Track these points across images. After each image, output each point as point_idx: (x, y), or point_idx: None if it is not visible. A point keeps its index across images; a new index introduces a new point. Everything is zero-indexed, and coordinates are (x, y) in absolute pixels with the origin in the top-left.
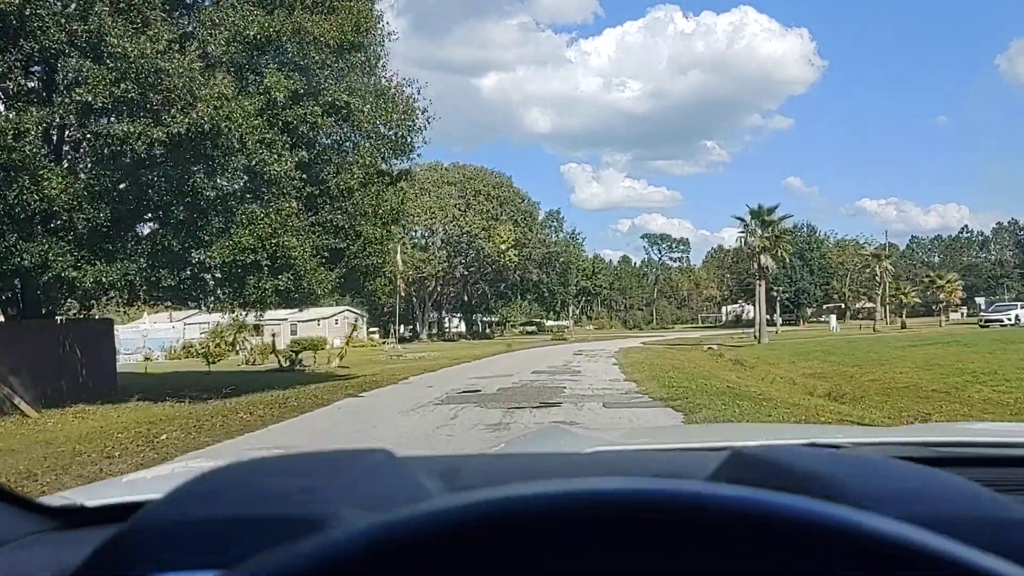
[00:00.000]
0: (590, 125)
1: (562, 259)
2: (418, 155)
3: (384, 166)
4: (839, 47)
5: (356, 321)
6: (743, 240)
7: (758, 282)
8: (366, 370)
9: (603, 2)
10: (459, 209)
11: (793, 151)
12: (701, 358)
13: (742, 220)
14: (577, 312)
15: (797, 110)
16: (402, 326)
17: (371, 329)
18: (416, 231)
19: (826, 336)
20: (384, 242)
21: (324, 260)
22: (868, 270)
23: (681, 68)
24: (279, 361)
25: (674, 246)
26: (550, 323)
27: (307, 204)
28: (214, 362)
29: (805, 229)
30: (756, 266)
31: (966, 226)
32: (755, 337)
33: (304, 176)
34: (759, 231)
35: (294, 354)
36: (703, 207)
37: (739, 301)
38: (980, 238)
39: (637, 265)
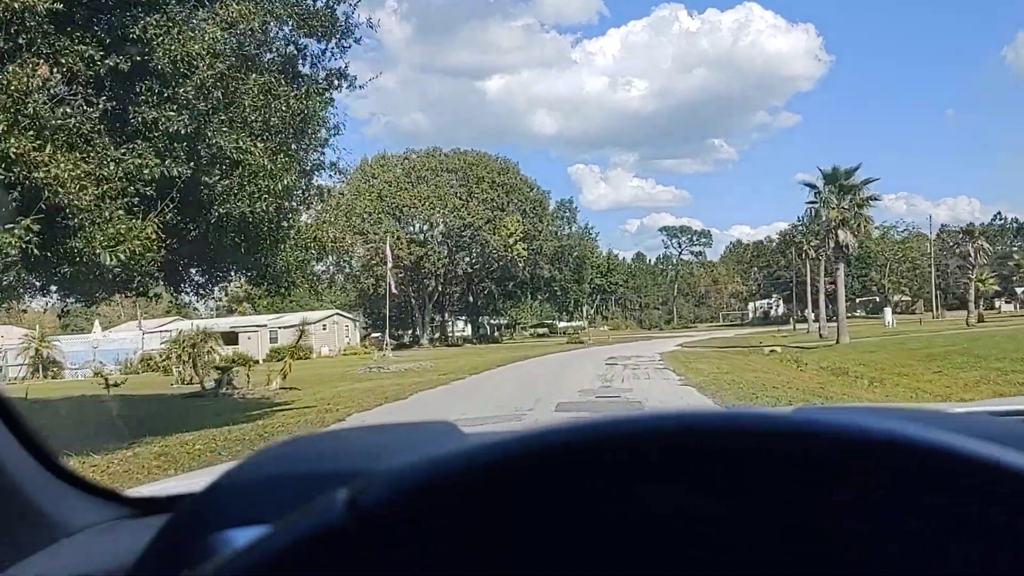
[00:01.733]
0: (597, 126)
1: (576, 253)
2: (356, 42)
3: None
4: (846, 42)
5: (349, 327)
6: (810, 213)
7: (836, 266)
8: (317, 393)
9: (608, 2)
10: (460, 198)
11: (801, 148)
12: (788, 370)
13: (812, 187)
14: (592, 312)
15: (804, 106)
16: (402, 330)
17: (374, 335)
18: (414, 224)
19: (902, 332)
20: (279, 176)
21: (137, 200)
22: (908, 261)
23: (687, 66)
24: (201, 382)
25: (695, 239)
26: (563, 324)
27: (94, 83)
28: (117, 384)
29: None
30: (831, 244)
31: (999, 214)
32: (819, 335)
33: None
34: (834, 199)
35: (220, 372)
36: (712, 206)
37: (771, 296)
38: (1015, 225)
39: (652, 262)
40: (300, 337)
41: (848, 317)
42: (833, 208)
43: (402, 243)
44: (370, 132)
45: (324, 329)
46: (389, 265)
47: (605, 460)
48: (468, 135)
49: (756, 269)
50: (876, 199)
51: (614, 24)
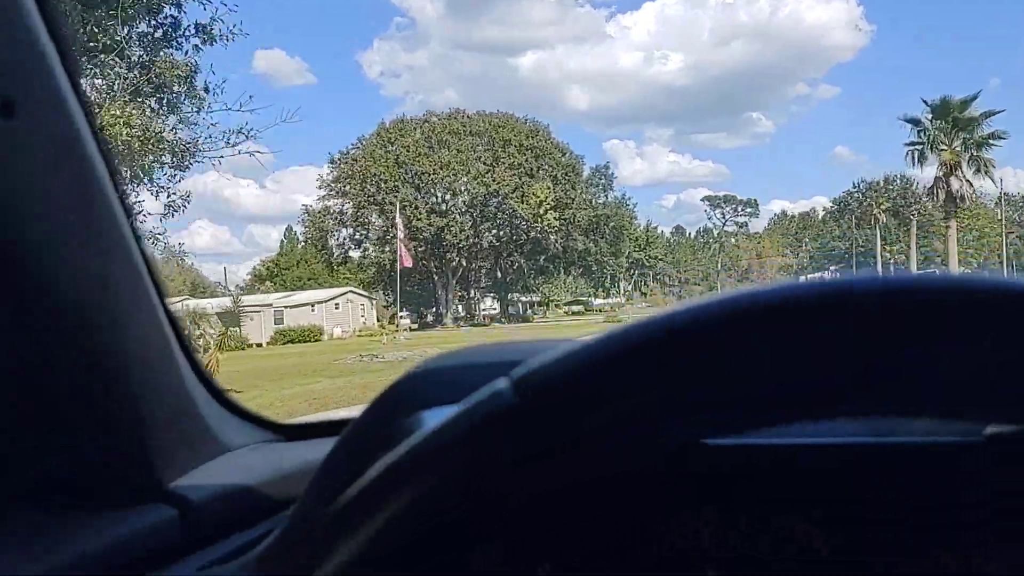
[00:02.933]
0: (631, 101)
1: (612, 224)
2: None
3: None
4: (887, 10)
5: (365, 305)
6: (913, 156)
7: (945, 224)
8: (255, 398)
9: None
10: (485, 163)
11: (841, 120)
12: None
13: (914, 123)
14: (629, 288)
15: (844, 78)
16: (425, 308)
17: (401, 313)
18: (436, 193)
19: None
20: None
21: None
22: (976, 229)
23: (724, 39)
24: None
25: (740, 208)
26: (599, 301)
27: None
28: None
29: (899, 181)
30: (941, 195)
31: None
32: None
33: None
34: (943, 138)
35: None
36: (750, 180)
37: (824, 269)
38: None
39: (692, 236)
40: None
41: None
42: (944, 148)
43: (420, 213)
44: (403, 112)
45: (337, 308)
46: (400, 235)
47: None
48: (499, 111)
49: (808, 240)
50: (1000, 137)
51: None
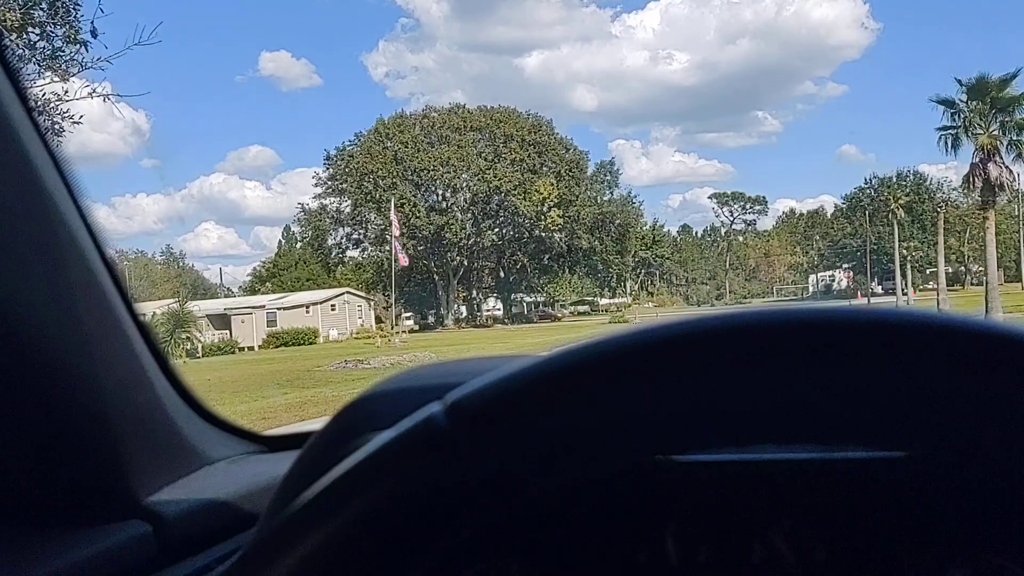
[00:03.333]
0: (637, 100)
1: (618, 221)
2: None
3: None
4: (894, 7)
5: (363, 307)
6: (945, 141)
7: (983, 215)
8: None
9: None
10: (486, 159)
11: (848, 118)
12: None
13: (948, 104)
14: (636, 288)
15: (851, 76)
16: (427, 310)
17: (406, 315)
18: (436, 191)
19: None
20: None
21: None
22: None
23: (730, 38)
24: None
25: (748, 206)
26: (605, 301)
27: None
28: None
29: (911, 176)
30: (977, 183)
31: None
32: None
33: None
34: (980, 120)
35: None
36: (756, 179)
37: (841, 267)
38: None
39: (698, 235)
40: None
41: (922, 290)
42: (981, 132)
43: (419, 211)
44: (409, 112)
45: (333, 310)
46: (395, 233)
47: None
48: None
49: (818, 238)
50: None
51: None
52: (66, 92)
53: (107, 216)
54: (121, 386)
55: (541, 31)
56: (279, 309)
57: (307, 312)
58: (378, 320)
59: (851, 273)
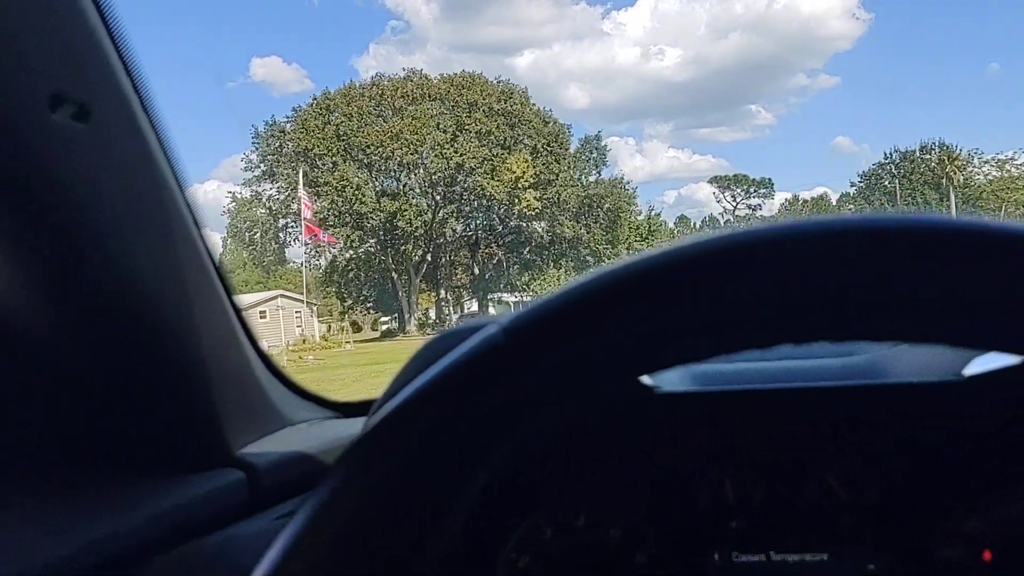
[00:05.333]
0: (630, 97)
1: (607, 205)
2: None
3: None
4: None
5: (303, 312)
6: None
7: None
8: None
9: None
10: (445, 132)
11: (841, 110)
12: None
13: None
14: None
15: (843, 67)
16: (388, 314)
17: (384, 319)
18: (389, 172)
19: None
20: None
21: None
22: None
23: (721, 32)
24: None
25: (752, 190)
26: None
27: None
28: None
29: (937, 148)
30: None
31: None
32: None
33: None
34: None
35: None
36: (751, 172)
37: None
38: None
39: (697, 227)
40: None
41: None
42: None
43: (365, 195)
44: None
45: (263, 318)
46: (305, 215)
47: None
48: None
49: None
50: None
51: None
52: None
53: None
54: (218, 347)
55: (532, 30)
56: None
57: None
58: (329, 328)
59: None
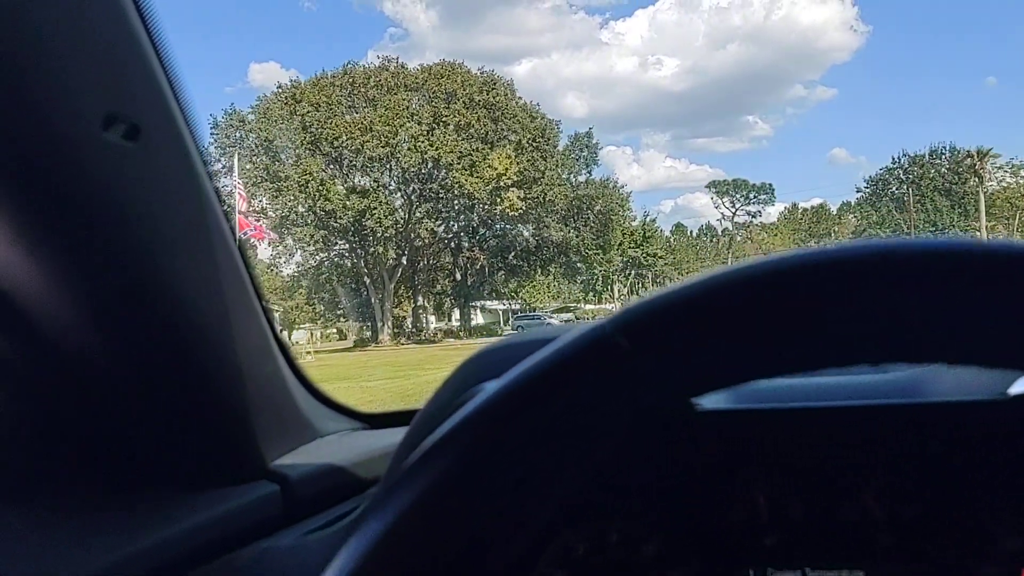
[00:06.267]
0: (627, 107)
1: (597, 207)
2: None
3: None
4: (883, 11)
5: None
6: None
7: None
8: None
9: None
10: (421, 124)
11: (837, 121)
12: None
13: None
14: (625, 291)
15: (841, 79)
16: (363, 321)
17: (358, 326)
18: (361, 168)
19: None
20: None
21: None
22: None
23: (719, 43)
24: None
25: (752, 195)
26: (591, 307)
27: None
28: None
29: (948, 153)
30: None
31: None
32: None
33: None
34: None
35: None
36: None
37: None
38: None
39: (694, 235)
40: None
41: None
42: None
43: (331, 192)
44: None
45: None
46: (240, 207)
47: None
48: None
49: (834, 230)
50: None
51: (641, 5)
52: None
53: None
54: (254, 360)
55: (530, 38)
56: None
57: None
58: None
59: None
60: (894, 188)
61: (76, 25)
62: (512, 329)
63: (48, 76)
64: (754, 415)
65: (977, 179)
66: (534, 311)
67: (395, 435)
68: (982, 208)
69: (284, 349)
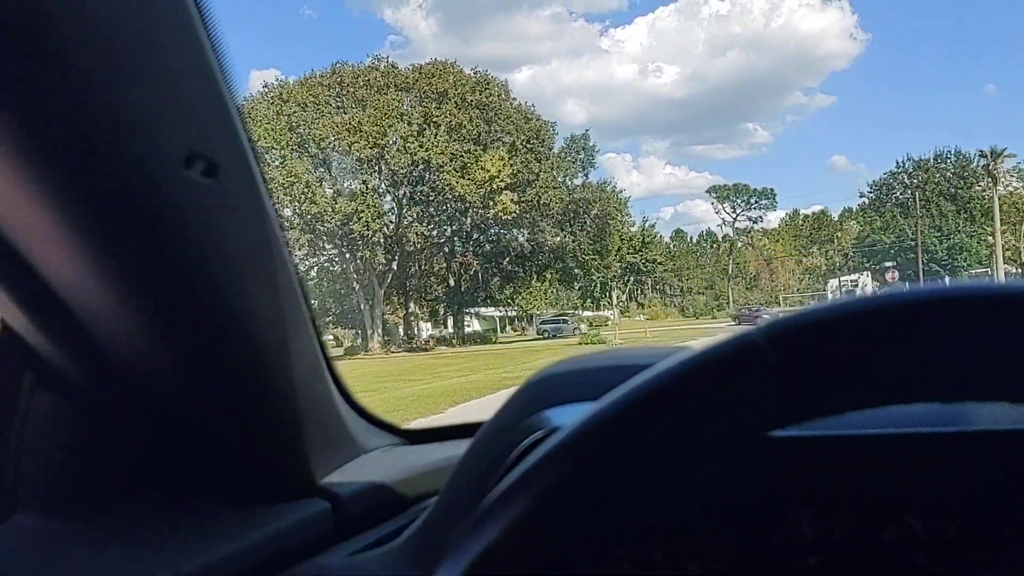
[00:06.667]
0: (627, 114)
1: (594, 211)
2: None
3: None
4: (882, 18)
5: None
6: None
7: None
8: None
9: None
10: (409, 123)
11: (837, 129)
12: None
13: None
14: (623, 298)
15: (840, 86)
16: (355, 328)
17: (349, 334)
18: (348, 169)
19: None
20: None
21: None
22: None
23: (718, 50)
24: None
25: (754, 200)
26: (589, 314)
27: None
28: None
29: (953, 157)
30: None
31: None
32: None
33: None
34: None
35: None
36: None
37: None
38: None
39: (694, 240)
40: None
41: None
42: None
43: (316, 195)
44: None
45: None
46: None
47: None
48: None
49: (838, 236)
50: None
51: (641, 12)
52: None
53: None
54: (306, 380)
55: (530, 46)
56: None
57: None
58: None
59: (895, 274)
60: (898, 193)
61: (164, 70)
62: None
63: (138, 118)
64: (805, 442)
65: (991, 180)
66: (560, 315)
67: (435, 451)
68: (996, 211)
69: (331, 366)
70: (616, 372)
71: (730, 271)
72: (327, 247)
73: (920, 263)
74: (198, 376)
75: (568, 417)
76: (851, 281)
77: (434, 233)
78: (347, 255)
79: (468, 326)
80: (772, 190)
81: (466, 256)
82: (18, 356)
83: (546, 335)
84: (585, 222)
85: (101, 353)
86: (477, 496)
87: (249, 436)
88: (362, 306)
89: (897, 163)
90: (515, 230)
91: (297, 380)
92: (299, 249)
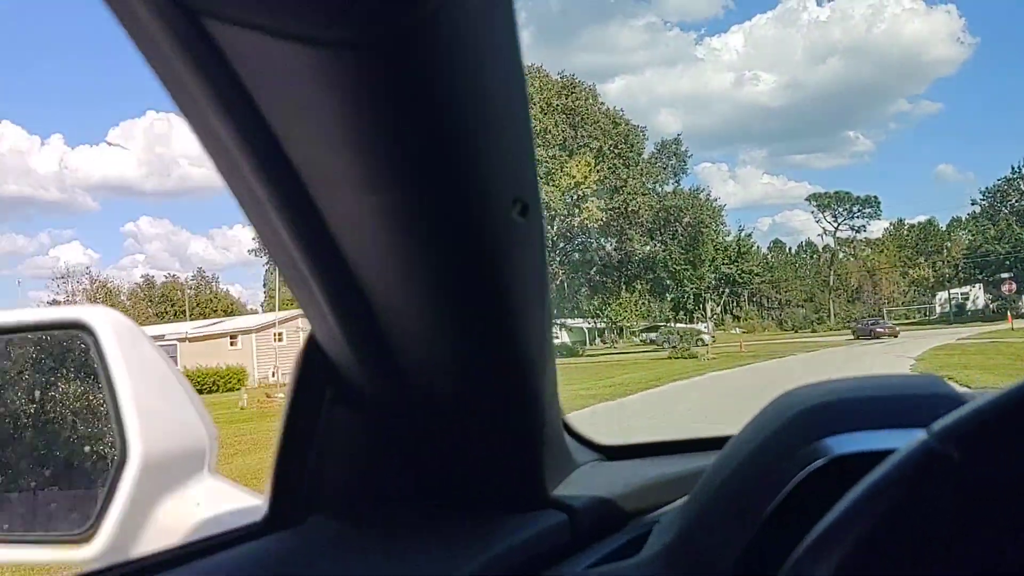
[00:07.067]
0: (723, 123)
1: (686, 219)
2: None
3: None
4: (991, 21)
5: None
6: None
7: None
8: None
9: None
10: None
11: (943, 137)
12: None
13: None
14: (718, 310)
15: (946, 93)
16: None
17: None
18: None
19: None
20: None
21: None
22: None
23: (818, 57)
24: None
25: (856, 209)
26: (681, 326)
27: None
28: None
29: None
30: None
31: None
32: None
33: None
34: None
35: None
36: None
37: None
38: None
39: (793, 251)
40: None
41: None
42: None
43: None
44: None
45: (279, 340)
46: None
47: None
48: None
49: (948, 246)
50: None
51: (737, 20)
52: None
53: (205, 247)
54: (551, 391)
55: (624, 56)
56: (189, 339)
57: (233, 343)
58: None
59: (1013, 285)
60: (1014, 200)
61: (497, 127)
62: (603, 346)
63: (476, 168)
64: None
65: None
66: (620, 329)
67: (641, 468)
68: None
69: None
70: (895, 403)
71: (831, 283)
72: None
73: None
74: (471, 393)
75: (859, 446)
76: (961, 294)
77: None
78: None
79: (556, 338)
80: (876, 198)
81: (551, 265)
82: (324, 371)
83: (663, 346)
84: (676, 230)
85: (393, 371)
86: (738, 514)
87: (502, 447)
88: None
89: (1013, 168)
90: (602, 238)
91: (548, 392)
92: None
